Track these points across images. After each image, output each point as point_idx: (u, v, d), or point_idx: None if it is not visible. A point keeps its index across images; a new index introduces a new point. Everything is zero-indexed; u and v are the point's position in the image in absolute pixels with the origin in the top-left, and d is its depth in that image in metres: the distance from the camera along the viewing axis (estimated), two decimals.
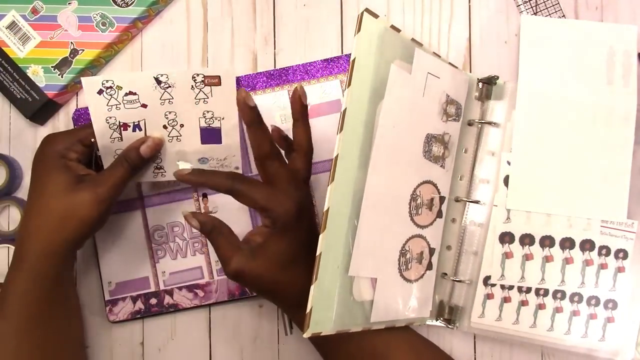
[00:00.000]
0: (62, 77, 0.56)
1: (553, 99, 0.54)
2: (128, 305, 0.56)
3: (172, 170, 0.51)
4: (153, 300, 0.56)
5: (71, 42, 0.56)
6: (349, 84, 0.42)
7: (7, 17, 0.56)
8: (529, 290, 0.53)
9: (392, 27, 0.46)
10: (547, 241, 0.53)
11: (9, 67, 0.56)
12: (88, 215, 0.46)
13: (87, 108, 0.56)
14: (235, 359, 0.56)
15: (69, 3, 0.56)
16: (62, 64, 0.56)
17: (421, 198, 0.50)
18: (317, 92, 0.56)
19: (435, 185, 0.52)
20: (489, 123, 0.54)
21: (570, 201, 0.53)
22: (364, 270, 0.46)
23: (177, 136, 0.51)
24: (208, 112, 0.49)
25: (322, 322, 0.42)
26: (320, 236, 0.41)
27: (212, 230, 0.47)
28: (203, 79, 0.48)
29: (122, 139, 0.50)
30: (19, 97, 0.56)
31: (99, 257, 0.56)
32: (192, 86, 0.48)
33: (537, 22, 0.55)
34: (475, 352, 0.56)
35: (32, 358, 0.45)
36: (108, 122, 0.49)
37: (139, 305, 0.56)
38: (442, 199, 0.52)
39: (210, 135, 0.51)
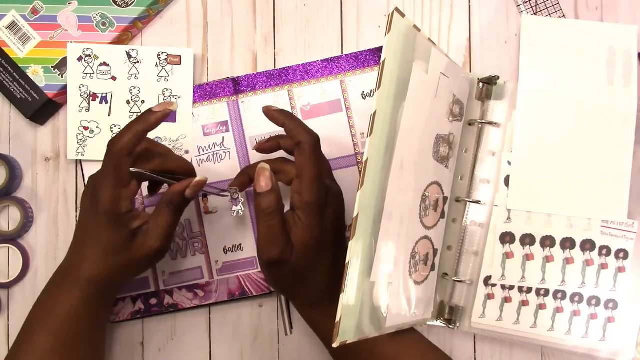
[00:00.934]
0: (62, 77, 0.56)
1: (553, 99, 0.54)
2: (128, 305, 0.56)
3: None
4: (153, 300, 0.56)
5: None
6: (379, 86, 0.40)
7: (7, 17, 0.56)
8: (529, 290, 0.53)
9: (414, 26, 0.44)
10: (547, 241, 0.53)
11: (9, 67, 0.56)
12: (145, 266, 0.49)
13: None
14: (235, 359, 0.56)
15: (69, 3, 0.56)
16: (62, 64, 0.56)
17: (429, 199, 0.50)
18: (317, 92, 0.56)
19: (440, 186, 0.51)
20: (490, 123, 0.54)
21: (571, 201, 0.53)
22: (383, 275, 0.44)
23: (137, 112, 0.55)
24: (167, 89, 0.55)
25: (347, 331, 0.41)
26: (350, 243, 0.40)
27: (274, 210, 0.45)
28: (166, 57, 0.53)
29: (89, 110, 0.55)
30: (19, 97, 0.56)
31: None
32: (157, 63, 0.53)
33: (537, 22, 0.55)
34: (475, 352, 0.56)
35: None
36: (80, 90, 0.55)
37: (139, 305, 0.56)
38: (445, 199, 0.52)
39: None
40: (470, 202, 0.54)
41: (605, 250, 0.53)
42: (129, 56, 0.55)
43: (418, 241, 0.49)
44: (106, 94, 0.55)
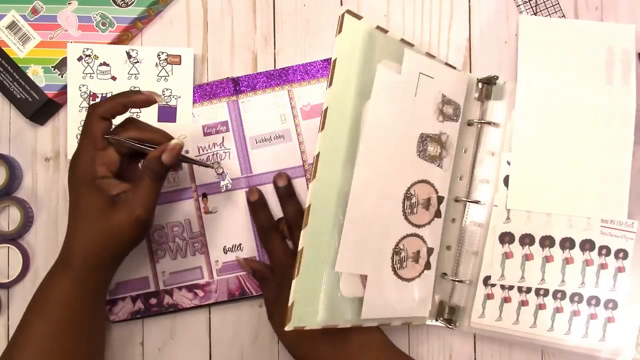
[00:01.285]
0: (62, 77, 0.56)
1: (552, 99, 0.54)
2: (128, 305, 0.56)
3: None
4: (153, 300, 0.56)
5: (71, 42, 0.56)
6: (330, 84, 0.43)
7: (7, 17, 0.56)
8: (529, 290, 0.53)
9: (379, 27, 0.47)
10: (547, 241, 0.53)
11: (9, 67, 0.56)
12: (127, 236, 0.47)
13: None
14: (235, 359, 0.56)
15: (69, 3, 0.56)
16: (62, 64, 0.56)
17: (416, 197, 0.50)
18: (317, 92, 0.56)
19: (432, 185, 0.52)
20: (489, 123, 0.54)
21: (571, 201, 0.53)
22: (352, 267, 0.46)
23: (137, 112, 0.55)
24: (167, 89, 0.55)
25: (307, 317, 0.43)
26: (302, 232, 0.42)
27: (262, 280, 0.54)
28: (166, 57, 0.54)
29: None
30: (19, 97, 0.56)
31: None
32: (157, 63, 0.54)
33: (535, 22, 0.55)
34: (475, 352, 0.56)
35: None
36: (80, 90, 0.55)
37: (139, 305, 0.56)
38: (440, 198, 0.52)
39: (167, 113, 0.55)
40: (470, 202, 0.54)
41: (604, 250, 0.53)
42: (129, 56, 0.55)
43: (403, 238, 0.50)
44: (106, 94, 0.55)
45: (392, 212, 0.49)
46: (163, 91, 0.55)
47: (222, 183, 0.53)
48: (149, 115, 0.56)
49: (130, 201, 0.46)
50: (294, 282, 0.42)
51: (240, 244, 0.56)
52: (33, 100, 0.56)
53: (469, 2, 0.58)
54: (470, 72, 0.57)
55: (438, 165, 0.52)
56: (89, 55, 0.54)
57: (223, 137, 0.56)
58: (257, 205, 0.55)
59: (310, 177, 0.43)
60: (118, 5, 0.56)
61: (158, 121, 0.56)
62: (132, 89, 0.55)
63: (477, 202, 0.53)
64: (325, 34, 0.58)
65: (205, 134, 0.56)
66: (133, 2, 0.56)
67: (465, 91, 0.54)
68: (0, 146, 0.58)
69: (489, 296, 0.53)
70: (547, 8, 0.57)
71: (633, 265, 0.53)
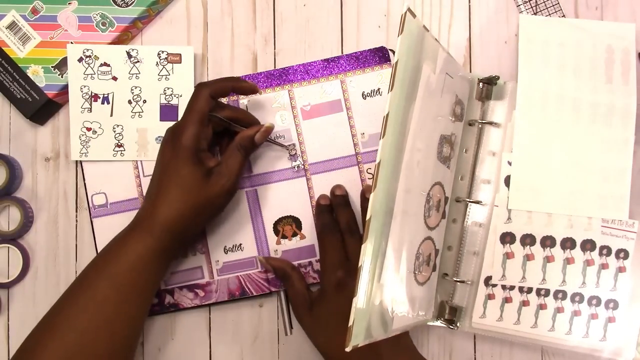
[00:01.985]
0: (62, 77, 0.56)
1: (553, 99, 0.54)
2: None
3: (133, 152, 0.55)
4: (154, 300, 0.55)
5: (71, 42, 0.56)
6: (392, 87, 0.40)
7: (7, 17, 0.56)
8: (530, 290, 0.53)
9: (424, 26, 0.44)
10: (548, 241, 0.53)
11: (9, 67, 0.56)
12: (217, 206, 0.51)
13: None
14: (235, 359, 0.56)
15: (69, 3, 0.56)
16: (62, 64, 0.56)
17: (432, 200, 0.49)
18: (317, 92, 0.56)
19: (442, 187, 0.51)
20: (490, 123, 0.54)
21: (572, 200, 0.53)
22: (392, 277, 0.44)
23: (139, 112, 0.55)
24: (168, 88, 0.55)
25: (359, 334, 0.40)
26: (362, 247, 0.39)
27: (285, 277, 0.54)
28: (167, 55, 0.54)
29: (91, 110, 0.55)
30: (19, 97, 0.56)
31: None
32: (157, 62, 0.54)
33: (535, 22, 0.55)
34: (475, 352, 0.56)
35: (121, 331, 0.47)
36: (82, 91, 0.55)
37: None
38: (446, 199, 0.52)
39: (168, 112, 0.55)
40: (471, 202, 0.53)
41: (605, 250, 0.53)
42: (129, 56, 0.55)
43: (422, 242, 0.49)
44: (107, 94, 0.55)
45: (418, 217, 0.47)
46: (164, 90, 0.55)
47: (294, 163, 0.55)
48: (151, 114, 0.56)
49: (223, 173, 0.50)
50: (354, 300, 0.39)
51: (240, 244, 0.56)
52: (33, 100, 0.56)
53: (469, 2, 0.58)
54: (470, 72, 0.57)
55: (447, 166, 0.51)
56: (89, 56, 0.54)
57: None
58: (323, 209, 0.54)
59: (372, 187, 0.39)
60: (118, 5, 0.56)
61: (160, 120, 0.56)
62: (134, 88, 0.55)
63: (478, 202, 0.53)
64: (325, 34, 0.58)
65: None
66: (133, 2, 0.56)
67: (468, 91, 0.54)
68: (0, 146, 0.58)
69: (490, 296, 0.53)
70: (547, 8, 0.57)
71: (634, 265, 0.53)
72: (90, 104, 0.55)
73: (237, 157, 0.51)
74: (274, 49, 0.58)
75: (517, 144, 0.53)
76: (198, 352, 0.56)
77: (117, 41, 0.56)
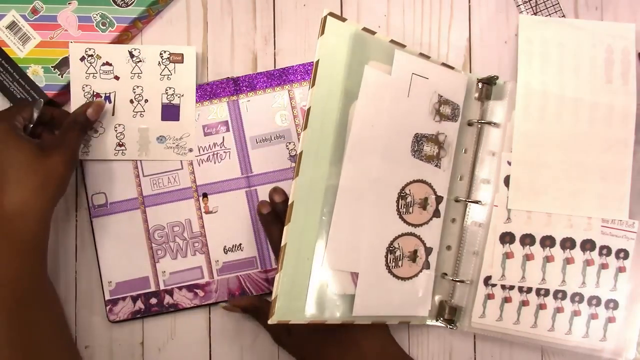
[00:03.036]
0: (62, 77, 0.56)
1: (553, 99, 0.54)
2: (128, 305, 0.55)
3: (134, 152, 0.56)
4: (153, 300, 0.56)
5: (71, 42, 0.56)
6: (313, 85, 0.44)
7: (7, 17, 0.56)
8: (529, 290, 0.53)
9: (365, 29, 0.48)
10: (547, 241, 0.53)
11: (9, 67, 0.56)
12: (64, 174, 0.49)
13: None
14: (235, 359, 0.56)
15: (69, 3, 0.56)
16: (62, 64, 0.56)
17: (412, 197, 0.51)
18: None
19: (429, 185, 0.52)
20: (489, 123, 0.54)
21: (571, 201, 0.53)
22: (341, 264, 0.47)
23: (140, 112, 0.55)
24: (170, 88, 0.55)
25: (292, 312, 0.44)
26: (285, 228, 0.43)
27: (257, 314, 0.54)
28: (169, 55, 0.54)
29: None
30: (19, 97, 0.56)
31: (99, 257, 0.56)
32: (159, 62, 0.54)
33: (534, 22, 0.55)
34: (475, 352, 0.56)
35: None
36: (84, 90, 0.55)
37: (139, 305, 0.56)
38: (438, 198, 0.52)
39: (170, 111, 0.56)
40: (470, 202, 0.53)
41: (605, 250, 0.53)
42: (132, 55, 0.55)
43: (398, 237, 0.50)
44: (109, 93, 0.55)
45: (385, 210, 0.50)
46: (166, 89, 0.55)
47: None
48: (153, 114, 0.56)
49: (59, 144, 0.49)
50: (277, 276, 0.43)
51: (240, 244, 0.56)
52: (33, 100, 0.55)
53: (469, 2, 0.58)
54: (470, 72, 0.57)
55: (436, 165, 0.52)
56: (92, 55, 0.54)
57: (223, 137, 0.56)
58: (269, 220, 0.53)
59: (294, 174, 0.44)
60: (118, 5, 0.56)
61: (162, 120, 0.56)
62: (136, 87, 0.55)
63: (477, 202, 0.53)
64: None
65: (206, 134, 0.56)
66: (133, 2, 0.56)
67: (465, 91, 0.54)
68: None
69: (490, 296, 0.53)
70: (547, 8, 0.57)
71: (634, 265, 0.53)
72: None
73: (73, 130, 0.51)
74: (274, 49, 0.58)
75: (516, 144, 0.53)
76: (198, 352, 0.56)
77: (117, 41, 0.56)
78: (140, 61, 0.55)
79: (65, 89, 0.56)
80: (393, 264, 0.50)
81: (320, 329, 0.48)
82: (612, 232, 0.53)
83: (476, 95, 0.54)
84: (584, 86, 0.54)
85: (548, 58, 0.54)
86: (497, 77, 0.54)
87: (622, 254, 0.53)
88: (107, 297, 0.55)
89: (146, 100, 0.56)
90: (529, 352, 0.55)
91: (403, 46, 0.50)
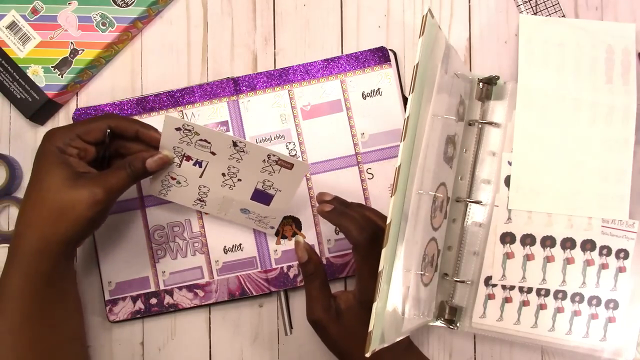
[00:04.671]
0: (62, 77, 0.56)
1: (553, 99, 0.54)
2: (128, 305, 0.55)
3: (213, 209, 0.53)
4: (153, 300, 0.55)
5: (71, 42, 0.56)
6: (412, 90, 0.39)
7: (7, 17, 0.56)
8: (530, 290, 0.53)
9: (438, 26, 0.44)
10: (548, 241, 0.53)
11: (9, 67, 0.56)
12: (83, 215, 0.44)
13: (87, 108, 0.56)
14: (235, 359, 0.56)
15: (69, 3, 0.56)
16: (62, 64, 0.56)
17: (437, 200, 0.49)
18: (317, 92, 0.56)
19: (446, 187, 0.51)
20: (490, 123, 0.54)
21: (572, 201, 0.53)
22: (405, 280, 0.43)
23: (231, 185, 0.51)
24: (269, 181, 0.50)
25: (375, 338, 0.39)
26: (383, 251, 0.38)
27: (312, 274, 0.49)
28: (277, 160, 0.48)
29: (180, 166, 0.50)
30: (19, 97, 0.56)
31: (99, 257, 0.56)
32: (265, 160, 0.48)
33: (535, 22, 0.55)
34: (475, 352, 0.56)
35: (29, 355, 0.44)
36: (174, 149, 0.49)
37: (139, 305, 0.55)
38: (448, 199, 0.52)
39: (262, 196, 0.52)
40: (471, 202, 0.53)
41: (605, 250, 0.53)
42: (235, 144, 0.48)
43: (428, 243, 0.48)
44: (202, 161, 0.50)
45: (426, 218, 0.47)
46: (264, 181, 0.50)
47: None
48: (243, 191, 0.51)
49: (96, 182, 0.45)
50: (374, 305, 0.38)
51: (240, 244, 0.56)
52: (33, 100, 0.56)
53: (469, 2, 0.58)
54: (471, 72, 0.57)
55: (450, 167, 0.51)
56: (189, 130, 0.47)
57: None
58: (339, 211, 0.49)
59: (392, 191, 0.39)
60: (118, 5, 0.56)
61: (251, 199, 0.52)
62: (232, 167, 0.50)
63: (478, 202, 0.53)
64: (325, 34, 0.58)
65: None
66: (133, 2, 0.56)
67: (469, 91, 0.54)
68: (0, 146, 0.58)
69: (490, 296, 0.53)
70: (547, 8, 0.57)
71: (634, 265, 0.53)
72: (181, 161, 0.50)
73: (121, 173, 0.46)
74: (274, 49, 0.58)
75: (517, 144, 0.53)
76: (198, 352, 0.56)
77: (117, 41, 0.56)
78: (244, 152, 0.48)
79: (65, 89, 0.56)
80: (423, 272, 0.47)
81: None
82: (612, 232, 0.53)
83: (476, 95, 0.54)
84: (584, 86, 0.54)
85: (548, 58, 0.54)
86: (498, 77, 0.54)
87: (622, 254, 0.53)
88: (107, 297, 0.55)
89: (239, 180, 0.51)
90: (529, 352, 0.55)
91: (450, 44, 0.47)
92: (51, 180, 0.44)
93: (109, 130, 0.47)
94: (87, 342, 0.56)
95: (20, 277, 0.45)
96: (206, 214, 0.56)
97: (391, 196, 0.39)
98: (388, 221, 0.39)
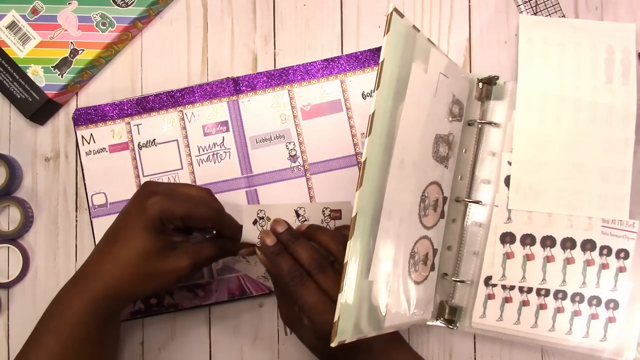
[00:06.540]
0: (62, 77, 0.56)
1: (553, 99, 0.54)
2: (128, 305, 0.55)
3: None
4: (153, 300, 0.55)
5: (71, 42, 0.56)
6: (378, 86, 0.40)
7: (7, 17, 0.56)
8: (530, 290, 0.53)
9: (414, 27, 0.44)
10: (548, 241, 0.53)
11: (9, 67, 0.56)
12: (170, 284, 0.47)
13: (86, 107, 0.56)
14: (235, 359, 0.56)
15: (69, 3, 0.56)
16: (62, 64, 0.56)
17: (429, 199, 0.49)
18: (317, 92, 0.56)
19: (439, 186, 0.51)
20: (490, 123, 0.54)
21: (572, 201, 0.53)
22: (382, 274, 0.44)
23: None
24: None
25: (346, 330, 0.40)
26: (348, 244, 0.39)
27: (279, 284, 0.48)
28: (330, 212, 0.52)
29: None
30: (19, 97, 0.56)
31: None
32: (322, 220, 0.52)
33: (534, 22, 0.55)
34: (475, 352, 0.56)
35: None
36: (257, 238, 0.50)
37: (139, 305, 0.55)
38: (444, 199, 0.52)
39: None
40: (471, 202, 0.53)
41: (605, 250, 0.53)
42: (298, 214, 0.51)
43: (417, 241, 0.49)
44: None
45: (412, 215, 0.47)
46: None
47: (293, 164, 0.55)
48: None
49: (188, 253, 0.47)
50: (339, 295, 0.39)
51: None
52: (33, 100, 0.56)
53: (469, 2, 0.58)
54: (470, 72, 0.57)
55: (445, 166, 0.51)
56: (262, 218, 0.50)
57: (223, 137, 0.56)
58: (274, 252, 0.46)
59: (357, 185, 0.40)
60: (118, 5, 0.56)
61: None
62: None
63: (478, 202, 0.53)
64: (325, 34, 0.58)
65: (206, 134, 0.56)
66: (133, 2, 0.56)
67: (468, 91, 0.54)
68: (0, 146, 0.58)
69: (490, 296, 0.53)
70: (547, 8, 0.57)
71: (634, 265, 0.53)
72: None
73: (213, 248, 0.48)
74: (274, 49, 0.58)
75: (517, 144, 0.53)
76: (198, 352, 0.56)
77: (117, 41, 0.56)
78: (305, 219, 0.51)
79: (65, 89, 0.56)
80: (412, 269, 0.48)
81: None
82: (613, 232, 0.53)
83: (476, 95, 0.54)
84: (584, 86, 0.54)
85: (548, 58, 0.54)
86: (498, 77, 0.54)
87: (623, 254, 0.53)
88: None
89: None
90: (529, 352, 0.55)
91: (434, 44, 0.48)
92: (144, 248, 0.45)
93: (214, 232, 0.50)
94: None
95: (84, 309, 0.45)
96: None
97: (356, 190, 0.40)
98: (353, 214, 0.39)
